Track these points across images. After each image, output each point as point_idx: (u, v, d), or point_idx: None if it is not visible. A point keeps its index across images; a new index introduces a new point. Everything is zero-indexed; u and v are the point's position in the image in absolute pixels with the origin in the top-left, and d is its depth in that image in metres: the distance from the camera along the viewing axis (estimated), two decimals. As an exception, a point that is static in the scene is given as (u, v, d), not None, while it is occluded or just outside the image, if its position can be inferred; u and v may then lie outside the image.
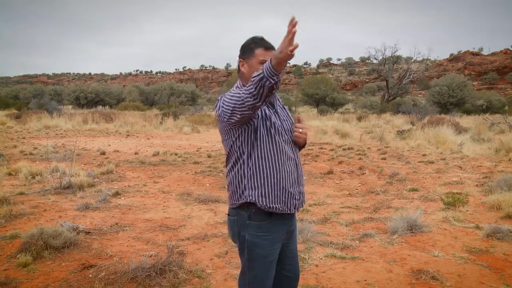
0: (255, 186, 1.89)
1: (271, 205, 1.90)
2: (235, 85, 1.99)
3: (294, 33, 1.54)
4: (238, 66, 1.99)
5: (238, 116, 1.77)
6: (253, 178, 1.89)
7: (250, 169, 1.89)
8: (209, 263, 3.52)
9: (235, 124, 1.83)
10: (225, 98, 1.83)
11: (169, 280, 3.10)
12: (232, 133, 1.88)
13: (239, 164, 1.91)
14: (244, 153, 1.89)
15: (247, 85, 1.70)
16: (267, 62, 1.63)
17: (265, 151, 1.89)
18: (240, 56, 1.98)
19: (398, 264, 3.52)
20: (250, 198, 1.89)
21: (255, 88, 1.65)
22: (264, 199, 1.89)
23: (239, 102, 1.74)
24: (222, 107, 1.82)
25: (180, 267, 3.27)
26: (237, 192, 1.93)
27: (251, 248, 1.92)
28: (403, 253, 3.77)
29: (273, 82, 1.63)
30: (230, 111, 1.78)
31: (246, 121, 1.84)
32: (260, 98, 1.67)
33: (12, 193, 5.82)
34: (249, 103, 1.69)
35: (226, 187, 2.01)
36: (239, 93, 1.75)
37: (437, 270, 3.30)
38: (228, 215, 2.05)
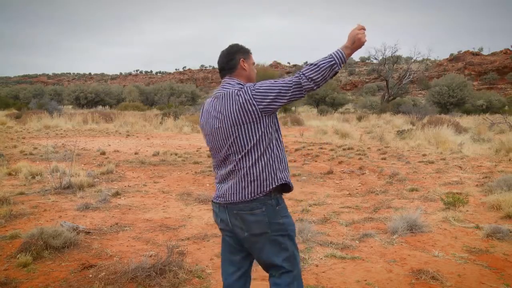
0: (283, 168, 2.05)
1: (292, 185, 2.10)
2: (234, 81, 2.07)
3: (364, 29, 1.97)
4: (237, 65, 2.10)
5: (285, 101, 1.94)
6: (281, 161, 2.05)
7: (279, 153, 2.04)
8: (209, 263, 3.53)
9: (271, 110, 1.97)
10: (259, 88, 1.96)
11: (169, 280, 3.10)
12: (262, 120, 1.97)
13: (270, 150, 2.01)
14: (272, 139, 2.02)
15: (304, 72, 1.91)
16: (337, 52, 1.93)
17: (280, 137, 2.10)
18: (241, 56, 2.11)
19: (398, 264, 3.52)
20: (284, 179, 2.03)
21: (322, 74, 1.90)
22: (289, 179, 2.08)
23: (285, 88, 1.93)
24: (256, 95, 1.95)
25: (180, 267, 3.27)
26: (270, 177, 2.00)
27: (290, 228, 2.08)
28: (403, 253, 3.77)
29: (340, 68, 1.94)
30: (271, 98, 1.94)
31: (278, 109, 2.01)
32: (322, 82, 1.93)
33: (12, 193, 5.82)
34: (309, 87, 1.92)
35: (248, 180, 1.99)
36: (284, 81, 1.94)
37: (437, 270, 3.30)
38: (243, 211, 2.01)
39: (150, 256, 3.57)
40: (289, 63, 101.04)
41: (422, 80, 40.44)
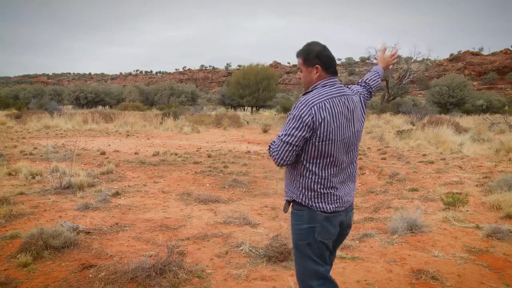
0: None
1: None
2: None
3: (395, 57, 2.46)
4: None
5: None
6: None
7: None
8: (209, 263, 3.52)
9: None
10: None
11: (169, 280, 3.10)
12: None
13: None
14: None
15: (373, 86, 2.35)
16: (380, 69, 2.42)
17: None
18: None
19: (398, 264, 3.52)
20: None
21: (378, 85, 2.38)
22: None
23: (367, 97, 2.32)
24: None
25: (180, 267, 3.27)
26: None
27: None
28: (403, 253, 3.77)
29: None
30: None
31: None
32: None
33: (12, 193, 5.82)
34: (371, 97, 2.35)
35: (356, 177, 2.16)
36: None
37: (437, 270, 3.30)
38: (353, 209, 2.20)
39: (150, 256, 3.57)
40: (289, 63, 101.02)
41: (422, 80, 40.42)
